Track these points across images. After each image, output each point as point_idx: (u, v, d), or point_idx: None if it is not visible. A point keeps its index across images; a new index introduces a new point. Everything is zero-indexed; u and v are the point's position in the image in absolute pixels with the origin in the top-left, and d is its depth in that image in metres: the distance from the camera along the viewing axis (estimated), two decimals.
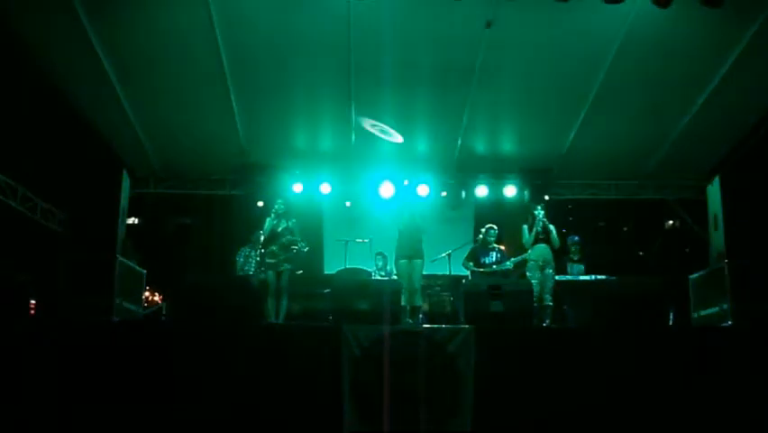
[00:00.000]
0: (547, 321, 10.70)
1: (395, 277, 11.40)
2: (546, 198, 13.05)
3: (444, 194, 14.25)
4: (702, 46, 10.67)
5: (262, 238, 11.25)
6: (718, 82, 11.23)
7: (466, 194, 14.32)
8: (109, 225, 10.33)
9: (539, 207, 11.43)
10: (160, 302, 14.00)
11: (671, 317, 11.01)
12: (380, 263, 12.61)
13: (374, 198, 14.04)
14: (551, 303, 10.82)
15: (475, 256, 12.20)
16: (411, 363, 8.84)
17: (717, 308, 10.55)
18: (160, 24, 10.41)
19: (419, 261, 10.89)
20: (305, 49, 10.98)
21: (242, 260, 12.61)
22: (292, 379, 8.86)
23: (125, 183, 11.85)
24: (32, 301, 10.37)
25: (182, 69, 11.21)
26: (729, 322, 9.98)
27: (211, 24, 10.31)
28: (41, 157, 11.39)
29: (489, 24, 10.30)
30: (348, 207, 14.51)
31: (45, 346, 8.77)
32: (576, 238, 12.49)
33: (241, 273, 12.38)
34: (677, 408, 8.89)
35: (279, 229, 10.96)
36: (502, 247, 12.39)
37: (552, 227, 11.31)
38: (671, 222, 17.13)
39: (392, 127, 12.81)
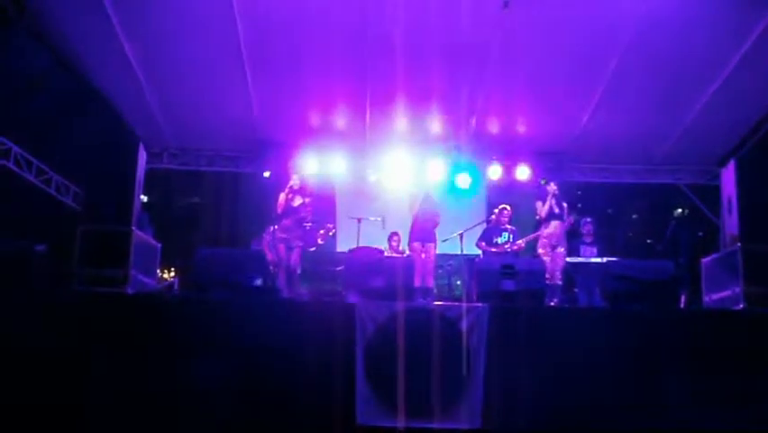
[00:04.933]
0: (555, 300, 10.72)
1: (408, 255, 11.47)
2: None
3: (459, 176, 14.24)
4: (719, 30, 10.62)
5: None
6: (735, 66, 11.18)
7: (479, 175, 14.34)
8: (125, 198, 10.38)
9: (552, 183, 11.42)
10: (171, 279, 14.03)
11: (682, 299, 11.06)
12: (394, 243, 12.62)
13: (388, 176, 14.09)
14: (560, 282, 10.84)
15: (488, 236, 12.26)
16: (424, 340, 8.87)
17: (729, 292, 10.57)
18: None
19: (432, 244, 10.94)
20: (321, 26, 10.98)
21: (269, 237, 12.46)
22: (305, 354, 8.89)
23: (141, 157, 11.88)
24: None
25: (199, 45, 11.20)
26: (741, 305, 10.00)
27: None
28: (57, 131, 11.44)
29: (506, 5, 10.26)
30: (361, 185, 14.51)
31: (60, 317, 8.85)
32: (588, 219, 12.50)
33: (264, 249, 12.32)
34: (688, 389, 8.92)
35: (295, 204, 10.97)
36: (514, 228, 12.42)
37: (565, 205, 11.31)
38: (679, 210, 17.17)
39: (406, 107, 12.80)
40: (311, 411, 8.75)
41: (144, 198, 14.84)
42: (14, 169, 10.99)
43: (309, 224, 11.44)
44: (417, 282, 10.54)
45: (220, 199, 18.18)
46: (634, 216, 20.80)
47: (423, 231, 10.93)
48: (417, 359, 8.82)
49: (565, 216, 11.26)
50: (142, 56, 11.41)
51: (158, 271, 12.19)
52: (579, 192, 18.45)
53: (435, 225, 11.13)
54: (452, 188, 14.14)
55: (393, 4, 10.38)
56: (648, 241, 18.97)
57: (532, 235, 11.99)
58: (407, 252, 11.67)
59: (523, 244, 12.26)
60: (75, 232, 10.04)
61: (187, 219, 19.15)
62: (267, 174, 14.04)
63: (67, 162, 11.91)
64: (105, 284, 9.63)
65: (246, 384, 8.81)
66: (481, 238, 12.34)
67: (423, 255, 11.01)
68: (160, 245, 11.49)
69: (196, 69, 11.78)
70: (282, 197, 11.06)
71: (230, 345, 8.92)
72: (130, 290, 9.75)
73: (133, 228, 10.23)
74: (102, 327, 8.88)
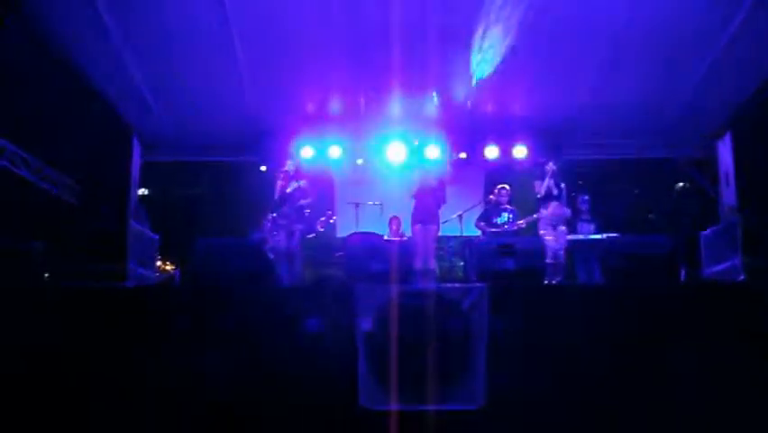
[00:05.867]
0: (558, 279, 10.69)
1: (407, 239, 11.46)
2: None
3: (457, 156, 14.21)
4: (712, 4, 10.56)
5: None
6: (729, 39, 11.10)
7: (476, 155, 14.31)
8: (121, 192, 10.39)
9: (551, 163, 11.33)
10: (172, 271, 14.04)
11: (682, 273, 11.03)
12: (395, 226, 12.60)
13: (385, 160, 14.06)
14: (562, 261, 10.79)
15: (487, 217, 12.25)
16: (425, 322, 8.86)
17: (728, 264, 10.57)
18: None
19: (434, 226, 10.89)
20: (313, 11, 10.92)
21: (269, 225, 12.44)
22: (307, 340, 8.89)
23: (136, 149, 11.91)
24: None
25: (189, 34, 11.13)
26: (741, 277, 9.99)
27: None
28: (50, 126, 11.41)
29: None
30: (359, 171, 14.49)
31: (59, 313, 8.85)
32: (586, 197, 12.46)
33: (265, 237, 12.31)
34: (691, 363, 8.90)
35: (290, 190, 10.94)
36: (513, 208, 12.42)
37: (563, 186, 11.24)
38: (681, 184, 17.12)
39: (402, 91, 12.75)
40: (314, 396, 8.74)
41: (145, 191, 14.86)
42: (9, 166, 10.97)
43: (308, 210, 11.40)
44: (419, 264, 10.50)
45: (220, 190, 18.15)
46: (635, 192, 20.72)
47: (424, 212, 10.86)
48: (418, 341, 8.80)
49: (563, 197, 11.19)
50: (135, 49, 11.35)
51: (157, 263, 12.22)
52: (578, 170, 18.39)
53: (439, 200, 11.00)
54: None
55: None
56: (650, 215, 18.94)
57: (532, 217, 11.97)
58: (408, 235, 11.65)
59: (523, 224, 12.26)
60: (72, 227, 10.06)
61: (188, 210, 19.12)
62: (263, 168, 14.05)
63: (62, 158, 11.89)
64: (103, 279, 9.64)
65: (249, 371, 8.80)
66: (480, 218, 12.36)
67: (424, 236, 10.95)
68: (157, 237, 11.50)
69: (189, 59, 11.71)
70: (278, 183, 11.03)
71: (231, 334, 8.91)
72: (129, 284, 9.76)
73: (130, 222, 10.23)
74: (102, 322, 8.87)
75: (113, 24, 10.68)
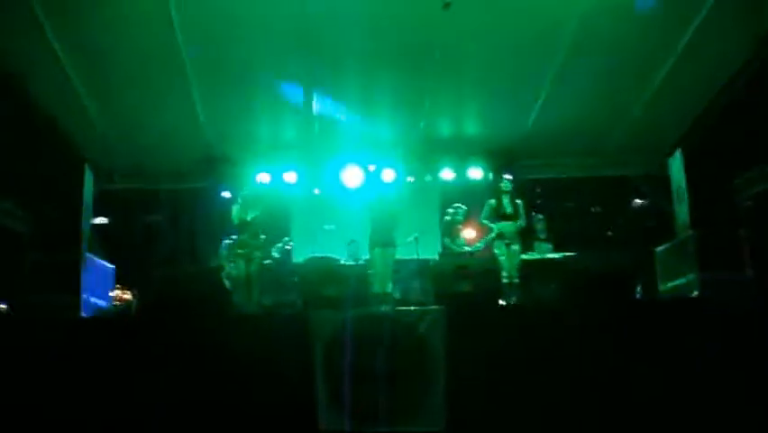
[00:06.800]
0: (513, 299, 10.69)
1: (363, 263, 11.43)
2: (509, 177, 12.68)
3: (411, 179, 14.24)
4: (660, 22, 10.70)
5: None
6: (679, 56, 11.26)
7: (431, 177, 14.34)
8: (73, 222, 10.24)
9: (506, 182, 11.32)
10: (130, 300, 13.88)
11: (638, 290, 11.10)
12: (352, 250, 12.55)
13: (341, 185, 14.04)
14: (517, 280, 10.80)
15: (450, 235, 12.33)
16: (382, 346, 8.82)
17: (683, 279, 10.66)
18: (117, 14, 10.28)
19: (392, 249, 10.87)
20: (265, 37, 10.91)
21: (225, 252, 12.32)
22: (265, 366, 8.82)
23: (88, 178, 11.76)
24: None
25: (141, 61, 11.09)
26: (696, 292, 10.07)
27: (169, 14, 10.22)
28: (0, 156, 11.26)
29: (446, 6, 10.21)
30: (315, 196, 14.45)
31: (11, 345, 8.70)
32: (541, 216, 12.52)
33: (221, 264, 12.22)
34: (648, 380, 8.94)
35: (248, 218, 10.87)
36: (472, 228, 12.46)
37: (519, 202, 11.23)
38: (637, 200, 17.29)
39: (355, 113, 12.77)
40: (273, 421, 8.68)
41: (103, 220, 14.71)
42: None
43: (264, 236, 11.33)
44: (376, 288, 10.47)
45: (177, 217, 18.05)
46: (592, 210, 20.90)
47: (381, 235, 10.85)
48: (376, 365, 8.77)
49: (519, 215, 11.22)
50: (85, 75, 11.26)
51: (116, 291, 12.07)
52: (535, 188, 18.52)
53: (393, 228, 11.02)
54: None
55: (338, 9, 10.34)
56: (609, 233, 19.10)
57: (486, 238, 12.01)
58: (365, 258, 11.61)
59: (479, 246, 12.29)
60: (24, 258, 9.91)
61: (146, 238, 18.98)
62: (227, 195, 13.96)
63: (12, 188, 11.71)
64: (57, 311, 9.49)
65: (207, 400, 8.71)
66: (444, 234, 12.46)
67: (382, 260, 10.93)
68: (113, 267, 11.37)
69: (140, 86, 11.67)
70: (235, 210, 10.96)
71: (188, 364, 8.82)
72: (83, 315, 9.63)
73: (83, 252, 10.11)
74: (56, 353, 8.73)
75: (64, 54, 10.59)
